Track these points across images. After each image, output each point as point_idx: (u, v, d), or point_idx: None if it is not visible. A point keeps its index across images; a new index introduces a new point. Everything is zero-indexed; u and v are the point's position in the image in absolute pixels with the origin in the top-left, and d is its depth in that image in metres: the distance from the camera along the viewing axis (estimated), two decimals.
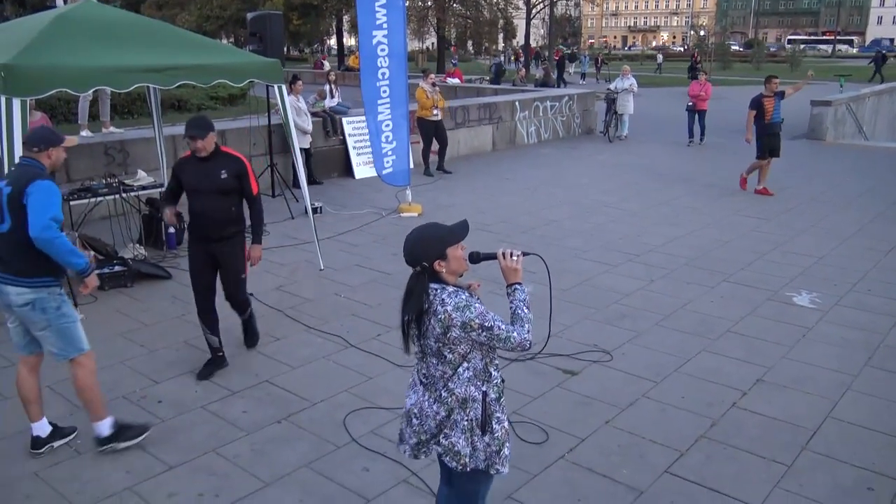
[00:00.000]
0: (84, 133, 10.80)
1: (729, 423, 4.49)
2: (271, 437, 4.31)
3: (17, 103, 5.15)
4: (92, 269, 3.94)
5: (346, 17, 49.84)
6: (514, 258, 2.85)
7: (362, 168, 12.21)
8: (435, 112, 12.07)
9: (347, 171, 12.21)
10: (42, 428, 4.10)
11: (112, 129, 11.00)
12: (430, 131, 12.30)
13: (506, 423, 2.85)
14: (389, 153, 9.46)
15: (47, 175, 3.85)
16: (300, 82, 11.21)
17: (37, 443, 4.09)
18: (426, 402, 2.78)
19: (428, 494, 3.75)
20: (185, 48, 6.40)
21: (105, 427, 4.06)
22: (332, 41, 63.59)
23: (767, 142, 10.79)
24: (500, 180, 12.01)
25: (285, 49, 41.71)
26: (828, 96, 18.32)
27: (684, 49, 77.57)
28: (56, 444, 4.13)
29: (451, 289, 2.70)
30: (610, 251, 8.04)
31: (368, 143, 12.21)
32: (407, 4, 10.05)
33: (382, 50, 8.94)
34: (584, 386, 4.95)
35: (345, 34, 56.02)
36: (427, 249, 2.69)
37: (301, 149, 10.91)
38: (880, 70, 37.33)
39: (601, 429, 4.42)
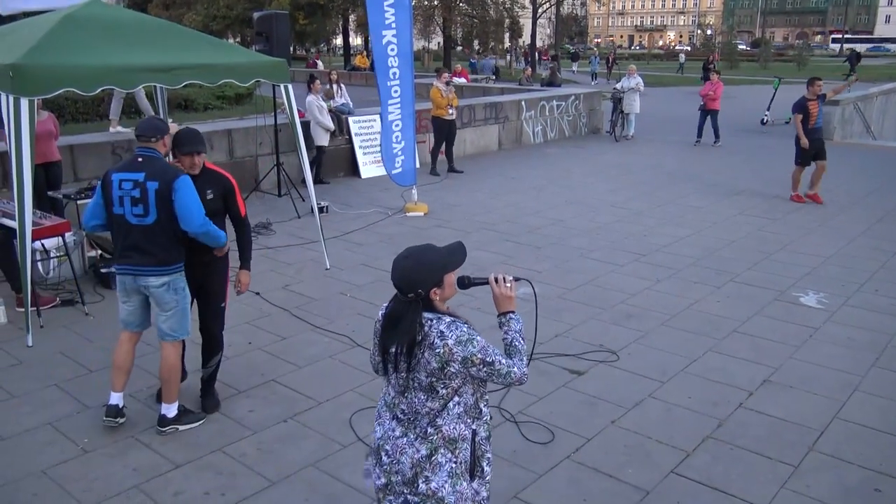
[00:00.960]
0: (112, 129, 10.89)
1: (735, 423, 4.48)
2: (277, 436, 4.32)
3: (24, 103, 5.17)
4: (227, 241, 4.40)
5: (352, 17, 49.84)
6: (508, 284, 2.63)
7: (368, 167, 12.22)
8: (451, 111, 12.10)
9: (353, 170, 12.22)
10: (118, 398, 4.30)
11: (119, 128, 11.05)
12: (445, 131, 12.32)
13: (492, 467, 2.62)
14: (399, 153, 9.48)
15: (180, 169, 4.16)
16: (318, 81, 11.27)
17: (114, 411, 4.29)
18: (404, 440, 2.49)
19: None
20: (191, 48, 6.41)
21: (173, 409, 4.29)
22: (339, 40, 63.66)
23: (811, 147, 10.36)
24: (506, 180, 12.00)
25: (291, 48, 41.80)
26: (835, 96, 18.23)
27: (691, 48, 77.34)
28: (182, 427, 4.32)
29: (447, 319, 2.45)
30: (616, 251, 8.03)
31: (375, 143, 12.31)
32: (413, 4, 10.05)
33: (392, 49, 8.96)
34: (590, 386, 4.95)
35: (351, 34, 56.05)
36: (426, 276, 2.44)
37: (318, 146, 11.04)
38: (854, 68, 37.88)
39: (607, 429, 4.42)
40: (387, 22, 8.85)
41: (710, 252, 7.99)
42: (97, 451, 4.12)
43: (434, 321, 2.45)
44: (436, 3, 44.11)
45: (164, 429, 4.27)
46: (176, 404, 4.33)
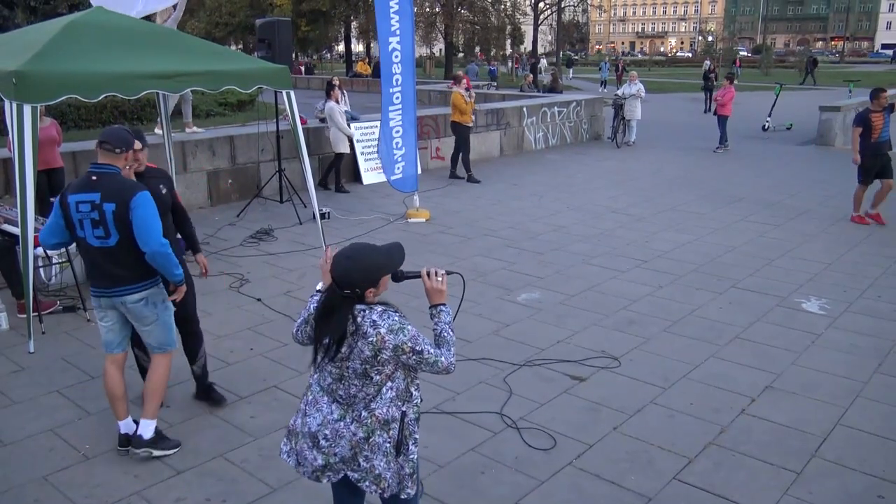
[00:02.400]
0: (189, 130, 10.97)
1: (738, 429, 4.47)
2: (279, 442, 4.28)
3: (28, 109, 5.19)
4: (183, 279, 4.11)
5: (354, 24, 49.98)
6: (440, 278, 2.75)
7: (370, 174, 12.24)
8: (473, 117, 12.15)
9: (355, 176, 12.23)
10: (128, 426, 4.16)
11: (195, 128, 11.11)
12: (467, 137, 12.35)
13: (418, 446, 2.75)
14: (399, 159, 9.49)
15: (138, 184, 3.91)
16: (337, 88, 11.32)
17: (125, 441, 4.14)
18: (341, 423, 2.63)
19: (431, 497, 3.74)
20: (193, 54, 6.44)
21: (150, 429, 4.10)
22: (341, 47, 63.82)
23: (873, 163, 9.48)
24: (507, 186, 12.01)
25: (294, 55, 41.94)
26: (837, 102, 18.27)
27: (692, 55, 77.46)
28: (156, 452, 4.11)
29: (379, 308, 2.59)
30: (617, 257, 8.03)
31: (376, 149, 12.33)
32: (415, 11, 10.10)
33: (396, 56, 9.02)
34: (591, 392, 4.94)
35: (353, 40, 56.19)
36: (364, 277, 2.57)
37: (339, 154, 11.11)
38: (812, 73, 39.70)
39: (609, 435, 4.41)
40: (392, 29, 8.90)
41: (712, 258, 7.99)
42: (99, 458, 4.12)
43: (367, 311, 2.58)
44: (437, 10, 44.25)
45: (137, 451, 4.04)
46: (154, 424, 4.12)
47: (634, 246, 8.47)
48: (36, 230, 5.49)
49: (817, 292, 6.90)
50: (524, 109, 15.86)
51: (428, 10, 44.47)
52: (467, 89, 12.25)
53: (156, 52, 6.10)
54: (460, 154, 12.50)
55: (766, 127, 19.54)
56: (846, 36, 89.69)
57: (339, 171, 11.43)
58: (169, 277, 3.99)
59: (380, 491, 2.65)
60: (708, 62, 42.67)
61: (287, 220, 9.48)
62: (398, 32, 8.96)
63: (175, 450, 4.17)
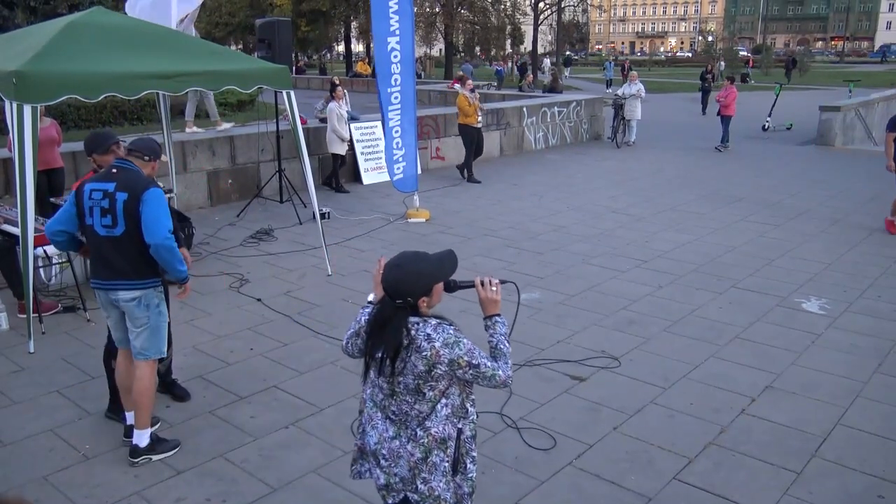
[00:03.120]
0: (188, 130, 10.98)
1: (738, 429, 4.47)
2: (279, 442, 4.32)
3: (28, 109, 5.19)
4: (188, 277, 4.14)
5: (354, 24, 49.98)
6: (494, 288, 2.65)
7: (370, 174, 12.25)
8: (479, 118, 12.15)
9: (355, 176, 12.23)
10: (132, 417, 4.18)
11: (194, 128, 11.12)
12: (474, 138, 12.36)
13: (476, 464, 2.67)
14: (400, 159, 9.50)
15: (153, 180, 4.03)
16: (340, 88, 11.31)
17: (128, 431, 4.18)
18: (396, 442, 2.55)
19: None
20: (193, 55, 6.44)
21: (144, 438, 4.08)
22: (341, 47, 63.81)
23: None
24: (507, 186, 12.01)
25: (294, 55, 41.92)
26: (837, 102, 18.27)
27: (692, 54, 77.38)
28: (156, 457, 4.11)
29: (434, 322, 2.50)
30: (617, 257, 8.03)
31: (376, 149, 12.34)
32: (415, 11, 10.09)
33: (395, 56, 9.01)
34: (592, 392, 4.94)
35: (353, 40, 56.17)
36: (415, 285, 2.48)
37: (335, 154, 11.11)
38: (790, 74, 40.79)
39: (609, 435, 4.41)
40: (391, 29, 8.90)
41: (712, 258, 7.99)
42: (99, 458, 4.12)
43: (420, 324, 2.48)
44: (437, 10, 44.25)
45: (135, 460, 4.02)
46: (148, 432, 4.10)
47: (634, 246, 8.47)
48: (36, 230, 5.50)
49: (817, 292, 6.90)
50: (524, 109, 15.86)
51: (428, 10, 44.44)
52: (472, 90, 12.25)
53: (156, 52, 6.10)
54: (466, 156, 12.51)
55: (766, 127, 19.54)
56: (846, 36, 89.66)
57: (337, 172, 11.43)
58: (173, 273, 4.02)
59: None
60: (723, 63, 42.40)
61: (287, 220, 9.48)
62: (397, 32, 8.95)
63: (175, 450, 4.17)
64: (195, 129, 11.06)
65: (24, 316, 5.63)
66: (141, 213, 3.84)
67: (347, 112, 12.54)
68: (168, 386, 4.81)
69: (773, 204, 10.69)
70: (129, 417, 4.21)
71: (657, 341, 5.79)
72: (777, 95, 20.44)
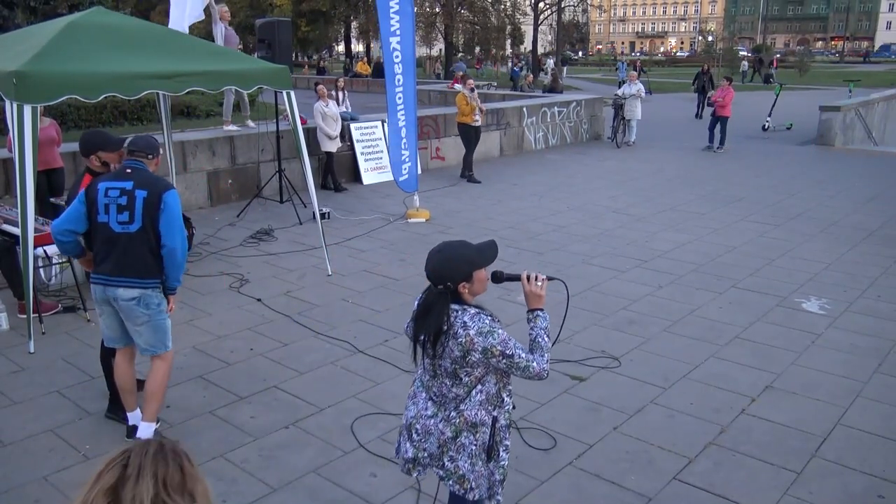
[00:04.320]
0: (226, 128, 10.98)
1: (738, 429, 4.47)
2: (279, 442, 4.32)
3: (28, 109, 5.18)
4: (176, 290, 4.20)
5: (354, 24, 49.98)
6: (539, 283, 2.73)
7: (370, 174, 12.25)
8: (476, 118, 12.15)
9: (355, 176, 12.23)
10: (137, 417, 4.22)
11: (232, 126, 11.13)
12: (472, 137, 12.36)
13: (509, 452, 2.78)
14: (406, 160, 9.53)
15: (170, 182, 4.15)
16: (322, 87, 11.31)
17: (132, 431, 4.20)
18: (432, 421, 2.68)
19: (431, 497, 3.74)
20: (193, 55, 6.44)
21: (149, 431, 4.14)
22: (341, 47, 63.81)
23: None
24: (507, 186, 12.01)
25: (294, 55, 41.94)
26: (837, 101, 18.27)
27: (692, 54, 77.33)
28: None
29: (472, 311, 2.60)
30: (617, 257, 8.03)
31: (376, 150, 12.35)
32: (415, 11, 10.10)
33: (397, 57, 9.04)
34: (592, 392, 4.94)
35: (353, 40, 56.18)
36: (454, 271, 2.58)
37: (326, 152, 11.10)
38: (759, 71, 42.08)
39: (609, 435, 4.41)
40: (392, 29, 8.91)
41: (712, 258, 7.99)
42: (99, 458, 4.09)
43: (459, 312, 2.60)
44: (437, 10, 44.27)
45: None
46: (154, 427, 4.17)
47: (634, 246, 8.47)
48: (36, 230, 5.50)
49: (817, 292, 6.90)
50: (524, 109, 15.86)
51: (428, 10, 44.46)
52: (472, 89, 12.25)
53: (156, 52, 6.10)
54: (465, 155, 12.52)
55: (766, 127, 19.54)
56: (846, 36, 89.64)
57: (332, 170, 11.42)
58: (172, 279, 4.08)
59: (463, 491, 2.65)
60: (745, 64, 41.99)
61: (287, 220, 9.47)
62: (398, 32, 8.97)
63: None
64: (232, 127, 11.07)
65: (24, 316, 5.63)
66: (161, 213, 3.93)
67: (346, 112, 12.56)
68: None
69: (773, 204, 10.69)
70: (132, 417, 4.23)
71: (657, 341, 5.79)
72: (777, 95, 20.44)
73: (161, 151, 4.23)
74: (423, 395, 2.75)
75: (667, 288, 7.03)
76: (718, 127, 15.78)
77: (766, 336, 5.88)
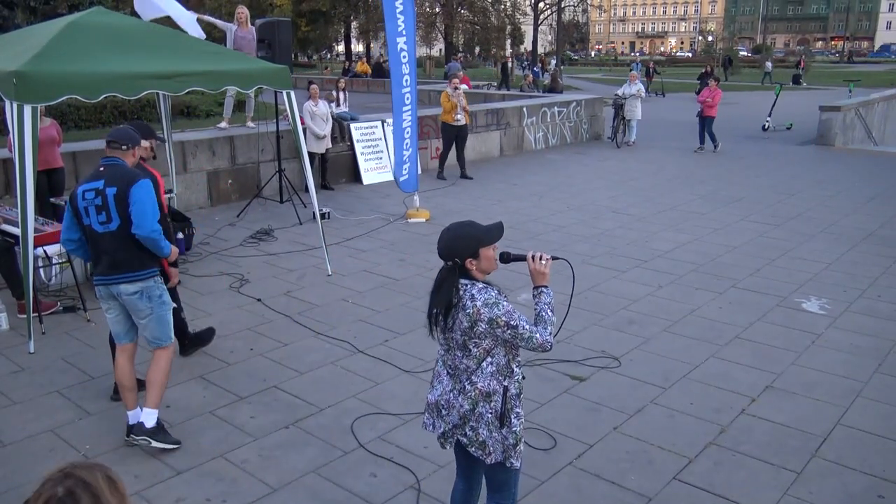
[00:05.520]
0: (221, 125, 10.99)
1: (738, 429, 4.47)
2: (279, 442, 4.31)
3: (28, 109, 5.19)
4: (169, 253, 4.22)
5: (354, 24, 49.98)
6: (543, 262, 2.93)
7: (370, 174, 12.25)
8: (457, 117, 12.12)
9: (355, 176, 12.23)
10: (135, 416, 4.22)
11: (224, 124, 11.11)
12: (452, 136, 12.35)
13: (523, 419, 2.92)
14: (407, 160, 9.54)
15: (140, 173, 4.11)
16: (314, 86, 11.28)
17: (131, 429, 4.20)
18: (452, 395, 2.86)
19: (431, 497, 3.74)
20: (194, 55, 6.44)
21: (152, 418, 4.14)
22: (341, 47, 63.81)
23: None
24: (507, 186, 12.01)
25: (294, 55, 41.92)
26: (837, 101, 18.27)
27: (692, 54, 77.33)
28: (154, 443, 4.14)
29: (480, 285, 2.79)
30: (617, 257, 8.03)
31: (376, 149, 12.35)
32: (415, 11, 10.11)
33: (404, 56, 9.03)
34: (592, 392, 4.94)
35: (353, 40, 56.18)
36: (462, 247, 2.77)
37: (315, 154, 11.04)
38: (727, 71, 42.67)
39: (609, 435, 4.41)
40: (399, 29, 8.92)
41: (712, 258, 7.99)
42: (99, 458, 4.11)
43: (469, 286, 2.79)
44: (437, 10, 44.27)
45: (137, 438, 4.09)
46: (156, 413, 4.17)
47: (634, 246, 8.47)
48: (36, 230, 5.50)
49: (817, 292, 6.90)
50: (524, 109, 15.86)
51: (428, 10, 44.46)
52: (456, 88, 12.22)
53: (156, 52, 6.10)
54: (447, 152, 12.53)
55: (766, 127, 19.53)
56: (846, 36, 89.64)
57: (323, 170, 11.39)
58: (159, 253, 4.12)
59: (485, 456, 2.83)
60: (769, 64, 41.22)
61: (287, 220, 9.47)
62: (404, 32, 9.00)
63: (173, 446, 4.17)
64: (225, 125, 11.04)
65: (24, 316, 5.63)
66: (131, 207, 3.93)
67: (346, 113, 12.56)
68: (192, 341, 5.43)
69: (773, 204, 10.69)
70: (131, 416, 4.23)
71: (657, 341, 5.79)
72: (777, 95, 20.44)
73: (144, 142, 4.22)
74: (444, 371, 2.92)
75: (667, 288, 7.03)
76: (705, 128, 15.71)
77: (766, 336, 5.88)
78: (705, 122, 15.69)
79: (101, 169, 4.04)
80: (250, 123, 11.26)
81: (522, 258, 2.97)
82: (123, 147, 4.11)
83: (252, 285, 7.02)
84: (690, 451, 4.22)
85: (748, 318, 6.24)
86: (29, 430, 4.40)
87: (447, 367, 2.90)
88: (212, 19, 10.48)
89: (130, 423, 4.24)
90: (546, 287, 2.94)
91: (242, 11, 10.90)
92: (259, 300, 6.59)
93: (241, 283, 7.06)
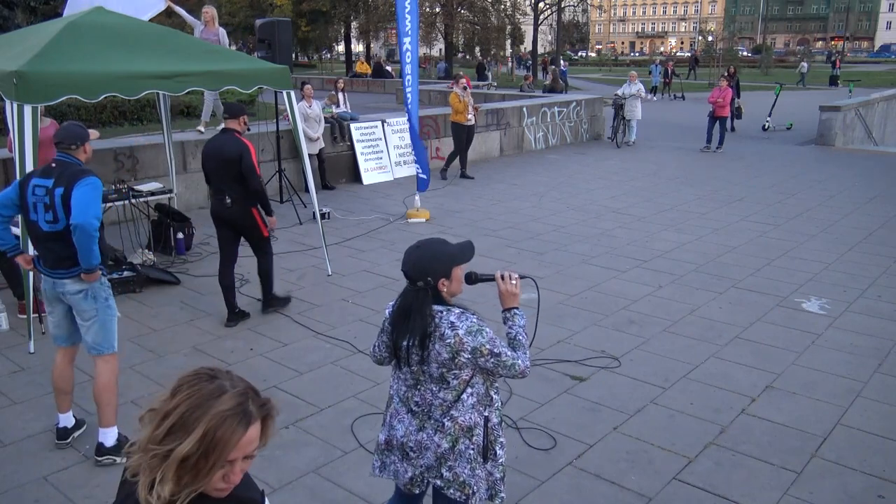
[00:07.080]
0: (200, 128, 10.96)
1: (738, 429, 4.47)
2: (279, 442, 4.31)
3: (28, 109, 5.18)
4: (94, 269, 3.90)
5: (354, 24, 49.98)
6: (514, 281, 2.71)
7: (370, 174, 12.25)
8: (469, 117, 12.15)
9: (355, 176, 12.23)
10: (68, 420, 4.19)
11: (201, 128, 11.06)
12: (463, 136, 12.39)
13: (506, 448, 2.73)
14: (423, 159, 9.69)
15: (90, 171, 4.00)
16: (308, 87, 11.26)
17: (63, 433, 4.17)
18: (423, 435, 2.60)
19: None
20: (194, 55, 6.44)
21: (111, 437, 4.03)
22: (341, 47, 63.80)
23: None
24: (507, 186, 12.01)
25: (294, 55, 41.88)
26: (837, 101, 18.27)
27: (692, 54, 77.30)
28: (77, 434, 4.20)
29: (457, 310, 2.54)
30: (617, 257, 8.03)
31: (376, 150, 12.36)
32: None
33: (408, 57, 9.08)
34: (592, 392, 4.94)
35: (353, 40, 56.16)
36: (435, 265, 2.54)
37: (311, 155, 11.00)
38: (694, 70, 43.36)
39: (609, 435, 4.41)
40: (405, 29, 8.97)
41: (712, 258, 7.99)
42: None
43: (444, 313, 2.53)
44: (437, 10, 44.24)
45: (100, 459, 3.98)
46: (114, 430, 4.01)
47: (634, 246, 8.47)
48: None
49: (817, 292, 6.90)
50: (524, 109, 15.86)
51: (428, 10, 44.42)
52: (465, 88, 12.25)
53: (156, 52, 6.10)
54: (451, 152, 12.55)
55: (767, 127, 19.53)
56: (846, 36, 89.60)
57: (322, 171, 11.40)
58: (83, 259, 3.84)
59: (465, 497, 2.59)
60: (805, 64, 39.58)
61: (287, 220, 9.47)
62: (410, 32, 9.04)
63: None
64: (201, 129, 11.01)
65: (24, 316, 5.64)
66: (72, 198, 3.80)
67: (346, 113, 12.55)
68: (272, 302, 6.31)
69: (773, 204, 10.69)
70: (62, 419, 4.18)
71: (657, 341, 5.79)
72: (777, 95, 20.43)
73: (89, 136, 4.12)
74: (404, 409, 2.66)
75: (667, 288, 7.03)
76: (717, 127, 15.77)
77: (767, 336, 5.88)
78: (718, 121, 15.72)
79: (53, 165, 3.96)
80: (201, 128, 10.92)
81: (490, 279, 2.72)
82: (73, 146, 4.00)
83: (252, 285, 7.02)
84: (690, 451, 4.22)
85: (748, 318, 6.24)
86: (29, 429, 4.40)
87: (410, 404, 2.63)
88: (182, 12, 10.27)
89: (60, 426, 4.17)
90: (518, 309, 2.71)
91: (208, 11, 10.69)
92: (259, 300, 6.59)
93: (241, 283, 7.06)
